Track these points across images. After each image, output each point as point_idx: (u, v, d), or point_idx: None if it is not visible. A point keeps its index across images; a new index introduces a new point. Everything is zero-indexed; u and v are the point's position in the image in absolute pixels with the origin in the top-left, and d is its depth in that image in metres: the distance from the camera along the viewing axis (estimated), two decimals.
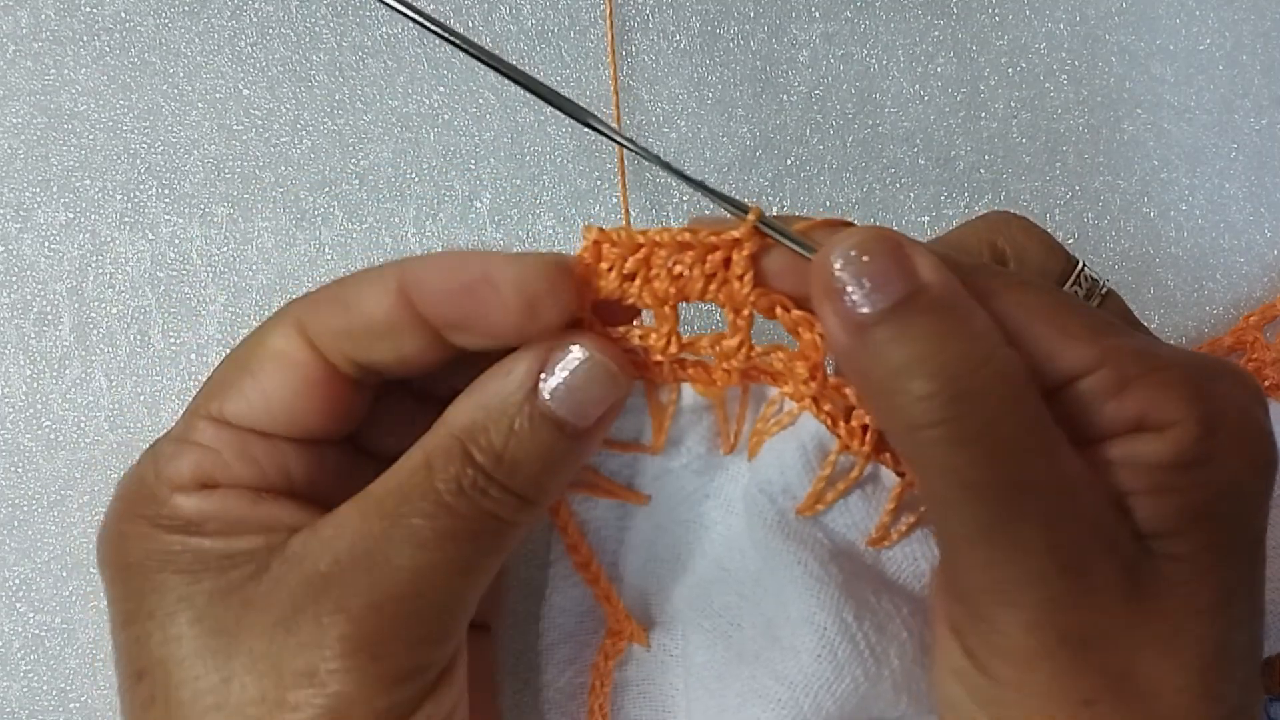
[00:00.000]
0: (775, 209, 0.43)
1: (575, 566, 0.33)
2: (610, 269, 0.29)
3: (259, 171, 0.42)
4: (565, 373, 0.28)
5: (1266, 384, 0.39)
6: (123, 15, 0.42)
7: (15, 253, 0.41)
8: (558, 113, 0.42)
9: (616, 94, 0.42)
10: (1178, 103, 0.44)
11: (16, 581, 0.40)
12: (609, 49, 0.43)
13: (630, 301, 0.29)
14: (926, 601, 0.31)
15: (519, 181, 0.42)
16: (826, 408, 0.30)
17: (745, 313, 0.29)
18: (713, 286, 0.29)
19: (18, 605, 0.40)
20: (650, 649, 0.33)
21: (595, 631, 0.34)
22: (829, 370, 0.30)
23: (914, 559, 0.31)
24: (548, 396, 0.27)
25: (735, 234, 0.28)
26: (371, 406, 0.31)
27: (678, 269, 0.29)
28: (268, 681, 0.26)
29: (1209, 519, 0.26)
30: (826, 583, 0.30)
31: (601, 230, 0.29)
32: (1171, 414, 0.26)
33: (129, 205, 0.42)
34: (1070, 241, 0.44)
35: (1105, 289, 0.34)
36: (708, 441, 0.32)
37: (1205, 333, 0.43)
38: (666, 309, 0.29)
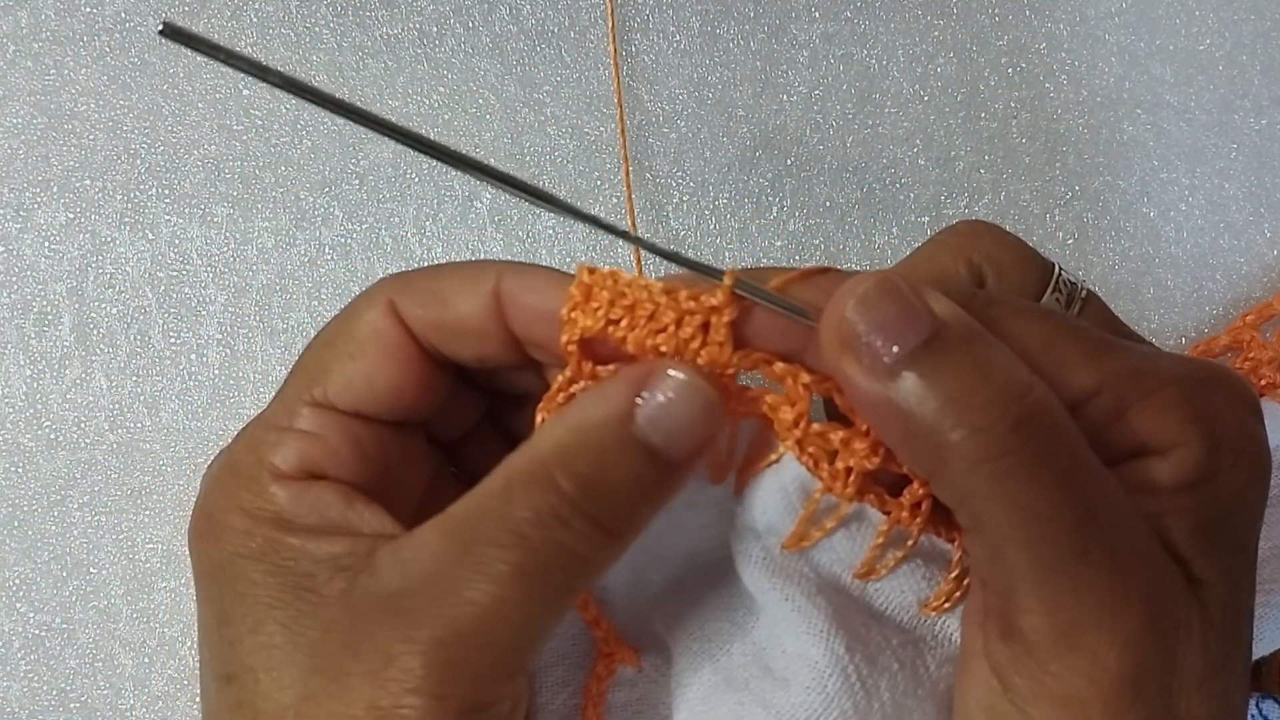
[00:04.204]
0: (775, 209, 0.43)
1: None
2: (598, 309, 0.29)
3: (259, 171, 0.42)
4: (663, 398, 0.26)
5: (1263, 383, 0.39)
6: (123, 15, 0.42)
7: (15, 253, 0.41)
8: (558, 113, 0.43)
9: (620, 93, 0.42)
10: (1178, 103, 0.44)
11: (16, 581, 0.40)
12: (610, 49, 0.43)
13: (615, 344, 0.29)
14: (917, 633, 0.31)
15: None
16: (810, 450, 0.30)
17: (730, 373, 0.28)
18: (693, 346, 0.28)
19: (18, 605, 0.40)
20: (642, 670, 0.33)
21: (589, 653, 0.33)
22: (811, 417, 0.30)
23: (902, 591, 0.31)
24: (643, 422, 0.26)
25: (713, 301, 0.28)
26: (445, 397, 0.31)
27: (658, 326, 0.28)
28: (340, 705, 0.25)
29: (1216, 537, 0.26)
30: (815, 615, 0.30)
31: (591, 272, 0.28)
32: (1174, 436, 0.26)
33: (129, 205, 0.42)
34: (1070, 241, 0.44)
35: (1084, 292, 0.34)
36: (696, 477, 0.32)
37: (1205, 333, 0.43)
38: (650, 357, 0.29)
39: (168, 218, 0.42)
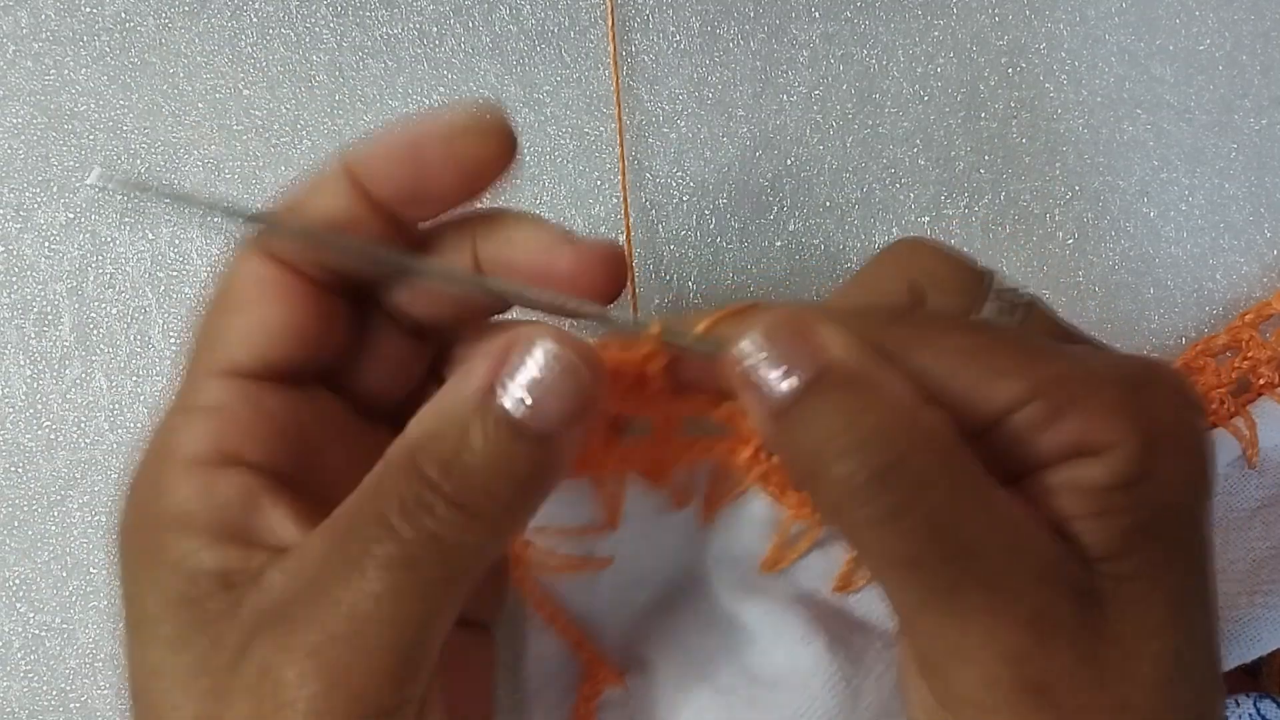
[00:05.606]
0: (775, 209, 0.43)
1: (545, 620, 0.33)
2: None
3: (259, 171, 0.42)
4: (525, 371, 0.25)
5: (1261, 382, 0.39)
6: (123, 15, 0.42)
7: (15, 253, 0.41)
8: (558, 113, 0.43)
9: (619, 93, 0.42)
10: (1178, 103, 0.44)
11: (16, 581, 0.40)
12: (611, 49, 0.43)
13: None
14: (894, 637, 0.31)
15: (519, 181, 0.42)
16: (774, 479, 0.30)
17: (675, 421, 0.29)
18: (632, 401, 0.28)
19: (18, 605, 0.40)
20: (628, 690, 0.33)
21: (580, 674, 0.34)
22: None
23: (880, 599, 0.32)
24: (506, 398, 0.25)
25: (642, 353, 0.28)
26: (367, 347, 0.30)
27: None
28: (247, 713, 0.24)
29: (1154, 535, 0.26)
30: (796, 623, 0.30)
31: None
32: (1109, 436, 0.25)
33: (129, 205, 0.42)
34: (1070, 241, 0.44)
35: (1027, 297, 0.33)
36: (659, 506, 0.32)
37: (1205, 333, 0.43)
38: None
39: (168, 218, 0.42)
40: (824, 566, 0.31)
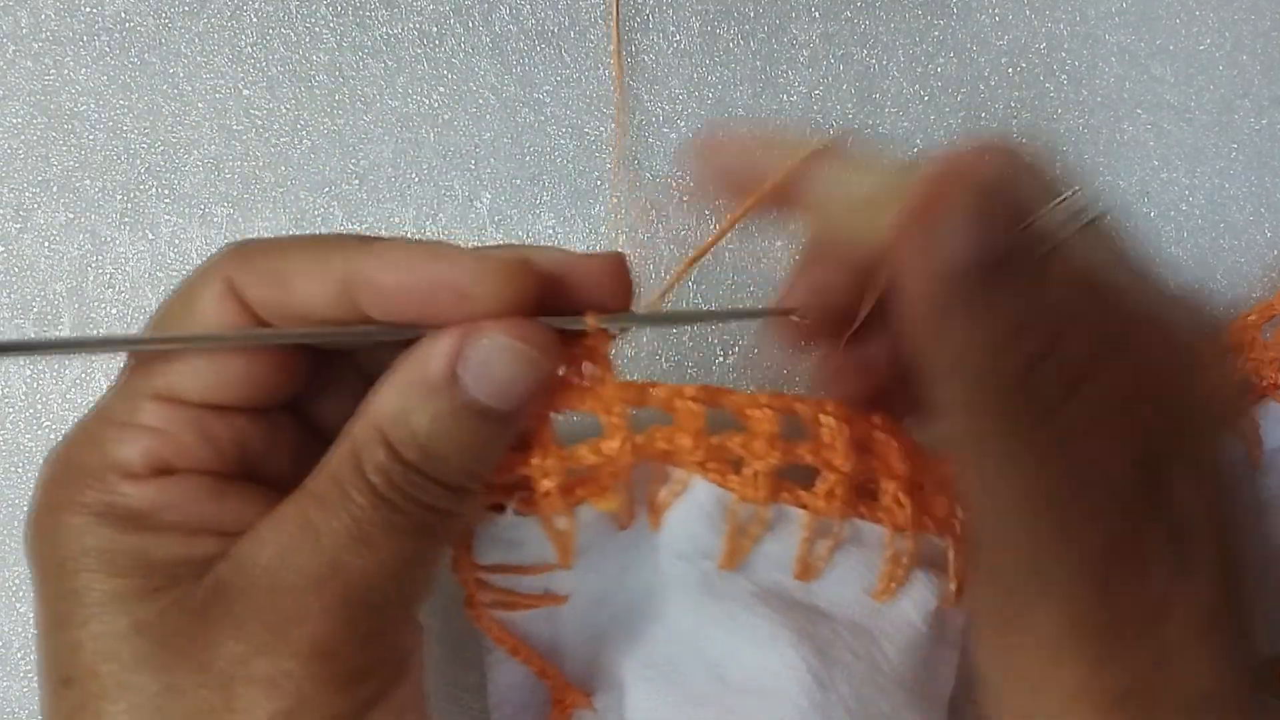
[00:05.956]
0: (775, 209, 0.43)
1: (508, 653, 0.32)
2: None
3: (259, 171, 0.42)
4: (482, 359, 0.26)
5: (1264, 383, 0.39)
6: (123, 15, 0.42)
7: (15, 253, 0.41)
8: (558, 113, 0.43)
9: (620, 93, 0.42)
10: (1178, 103, 0.44)
11: (16, 581, 0.40)
12: (614, 48, 0.43)
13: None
14: (870, 625, 0.31)
15: (519, 181, 0.42)
16: (714, 465, 0.30)
17: (617, 410, 0.29)
18: (575, 394, 0.29)
19: (18, 605, 0.40)
20: (597, 712, 0.33)
21: (549, 700, 0.33)
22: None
23: (846, 584, 0.31)
24: (468, 383, 0.26)
25: (589, 343, 0.28)
26: (327, 382, 0.30)
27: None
28: (212, 689, 0.25)
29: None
30: (760, 624, 0.30)
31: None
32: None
33: (129, 205, 0.42)
34: None
35: (1096, 212, 0.31)
36: (608, 531, 0.32)
37: (1206, 333, 0.43)
38: (543, 426, 0.29)
39: (168, 218, 0.42)
40: (781, 552, 0.31)
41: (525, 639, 0.32)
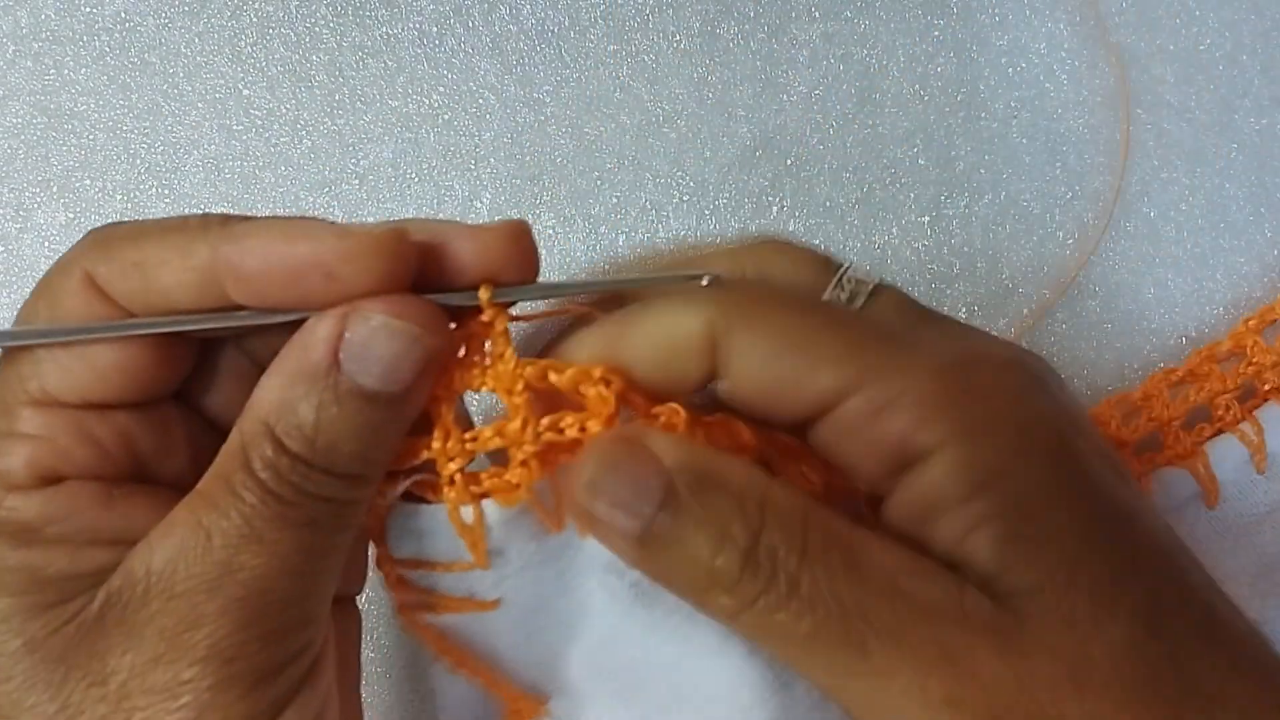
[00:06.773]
0: (775, 209, 0.43)
1: (453, 665, 0.31)
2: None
3: (259, 171, 0.42)
4: (362, 341, 0.25)
5: (1266, 387, 0.39)
6: (123, 15, 0.42)
7: (15, 253, 0.41)
8: (558, 113, 0.43)
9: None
10: (1178, 103, 0.44)
11: None
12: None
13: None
14: None
15: (519, 181, 0.42)
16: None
17: (519, 388, 0.27)
18: (475, 373, 0.27)
19: None
20: (553, 717, 0.32)
21: (500, 710, 0.33)
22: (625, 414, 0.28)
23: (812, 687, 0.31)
24: (351, 368, 0.25)
25: (484, 318, 0.27)
26: (213, 371, 0.29)
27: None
28: (110, 704, 0.24)
29: (1030, 538, 0.24)
30: (708, 633, 0.29)
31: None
32: (927, 439, 0.24)
33: (129, 205, 0.42)
34: (1070, 241, 0.44)
35: (871, 287, 0.31)
36: (536, 535, 0.30)
37: (1205, 333, 0.43)
38: (444, 409, 0.27)
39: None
40: None
41: (468, 649, 0.31)
